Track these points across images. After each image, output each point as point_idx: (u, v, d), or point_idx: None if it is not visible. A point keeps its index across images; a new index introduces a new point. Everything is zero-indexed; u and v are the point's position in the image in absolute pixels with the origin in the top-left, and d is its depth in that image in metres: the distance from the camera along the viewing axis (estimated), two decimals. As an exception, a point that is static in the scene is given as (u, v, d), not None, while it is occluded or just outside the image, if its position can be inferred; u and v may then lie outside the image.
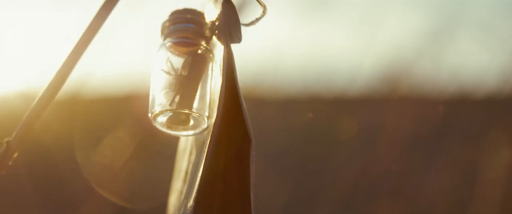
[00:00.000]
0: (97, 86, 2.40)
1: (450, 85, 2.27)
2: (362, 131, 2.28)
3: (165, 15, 0.65)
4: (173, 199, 0.68)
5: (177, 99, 0.62)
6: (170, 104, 0.63)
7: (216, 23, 0.63)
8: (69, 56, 0.64)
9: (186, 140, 0.68)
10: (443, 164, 2.09)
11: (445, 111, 2.25)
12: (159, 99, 0.63)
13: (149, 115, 0.63)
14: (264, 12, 0.62)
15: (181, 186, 0.66)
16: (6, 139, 0.63)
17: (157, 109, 0.63)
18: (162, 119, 0.63)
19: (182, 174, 0.67)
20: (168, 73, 0.63)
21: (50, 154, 2.26)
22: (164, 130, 0.64)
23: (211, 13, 0.65)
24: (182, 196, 0.66)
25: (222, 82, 0.60)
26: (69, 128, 2.30)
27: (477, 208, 1.95)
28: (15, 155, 0.64)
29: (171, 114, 0.63)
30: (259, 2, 0.62)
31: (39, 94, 0.63)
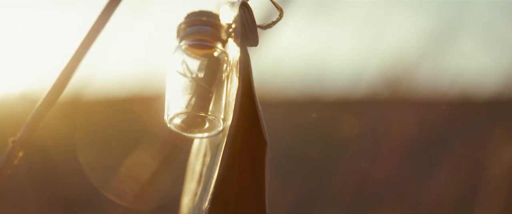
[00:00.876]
0: (99, 87, 2.40)
1: (453, 88, 2.27)
2: (365, 133, 2.29)
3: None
4: (187, 200, 0.68)
5: (193, 101, 0.62)
6: (186, 107, 0.63)
7: (233, 26, 0.63)
8: (73, 57, 0.64)
9: (200, 142, 0.68)
10: (447, 167, 2.09)
11: (448, 113, 2.25)
12: (175, 102, 0.63)
13: (165, 117, 0.63)
14: (280, 16, 0.62)
15: (195, 188, 0.66)
16: (12, 139, 0.63)
17: (173, 111, 0.63)
18: (177, 121, 0.63)
19: (196, 175, 0.67)
20: (184, 75, 0.63)
21: (50, 154, 2.26)
22: (180, 132, 0.64)
23: (227, 15, 0.65)
24: (197, 198, 0.66)
25: (238, 85, 0.61)
26: (70, 129, 2.30)
27: (481, 210, 1.95)
28: (20, 154, 0.64)
29: (186, 116, 0.63)
30: (275, 5, 0.62)
31: (43, 95, 0.64)
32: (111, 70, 2.35)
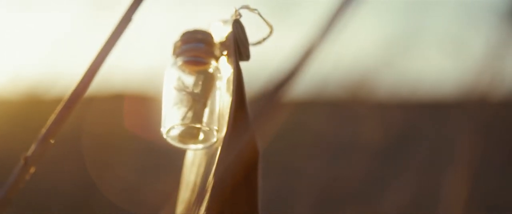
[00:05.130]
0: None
1: (415, 92, 2.33)
2: (328, 137, 2.33)
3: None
4: (182, 209, 0.72)
5: (189, 114, 0.66)
6: (182, 119, 0.66)
7: (226, 43, 0.67)
8: (86, 72, 0.66)
9: (194, 153, 0.72)
10: (408, 170, 2.14)
11: (410, 117, 2.30)
12: (171, 115, 0.66)
13: (162, 129, 0.67)
14: (270, 32, 0.67)
15: (190, 196, 0.70)
16: (24, 155, 0.65)
17: (169, 124, 0.66)
18: (174, 133, 0.67)
19: (191, 185, 0.71)
20: (181, 90, 0.66)
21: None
22: (176, 143, 0.67)
23: (219, 32, 0.69)
24: (192, 207, 0.69)
25: (232, 98, 0.64)
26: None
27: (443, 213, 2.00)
28: (32, 170, 0.66)
29: (183, 128, 0.66)
30: (266, 22, 0.66)
31: (57, 109, 0.65)
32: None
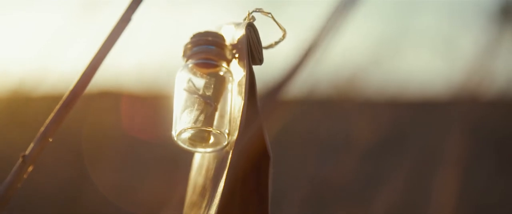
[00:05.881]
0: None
1: (405, 91, 2.33)
2: (316, 136, 2.33)
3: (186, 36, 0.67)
4: (189, 212, 0.71)
5: (200, 117, 0.65)
6: (194, 123, 0.65)
7: (238, 46, 0.66)
8: (84, 71, 0.65)
9: (202, 156, 0.71)
10: (399, 169, 2.14)
11: (401, 117, 2.30)
12: (183, 118, 0.66)
13: (173, 132, 0.66)
14: (283, 36, 0.66)
15: (199, 201, 0.69)
16: (22, 154, 0.64)
17: (180, 127, 0.66)
18: (185, 136, 0.66)
19: (199, 189, 0.70)
20: (193, 92, 0.65)
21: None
22: (186, 146, 0.66)
23: (231, 34, 0.68)
24: (202, 210, 0.68)
25: (244, 102, 0.64)
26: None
27: (432, 212, 2.00)
28: (30, 169, 0.65)
29: (193, 131, 0.66)
30: (279, 26, 0.65)
31: (55, 109, 0.65)
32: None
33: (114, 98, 2.47)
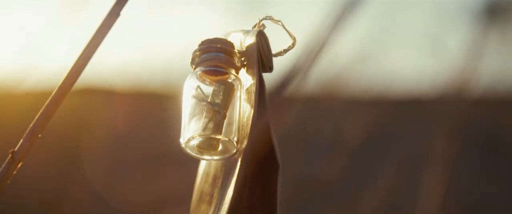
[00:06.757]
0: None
1: (392, 90, 2.34)
2: (302, 135, 2.33)
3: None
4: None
5: (210, 125, 0.65)
6: (203, 130, 0.65)
7: (247, 53, 0.66)
8: (73, 67, 0.65)
9: (208, 164, 0.71)
10: (386, 168, 2.15)
11: (386, 115, 2.31)
12: (191, 125, 0.65)
13: (181, 139, 0.65)
14: (293, 44, 0.66)
15: (206, 209, 0.69)
16: (11, 150, 0.64)
17: (189, 134, 0.65)
18: (193, 143, 0.65)
19: (206, 197, 0.69)
20: (201, 100, 0.65)
21: None
22: (194, 154, 0.66)
23: (239, 41, 0.67)
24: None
25: (254, 110, 0.63)
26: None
27: (420, 211, 2.01)
28: (20, 165, 0.65)
29: (202, 139, 0.65)
30: (289, 34, 0.65)
31: (44, 105, 0.64)
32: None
33: (100, 95, 2.46)
